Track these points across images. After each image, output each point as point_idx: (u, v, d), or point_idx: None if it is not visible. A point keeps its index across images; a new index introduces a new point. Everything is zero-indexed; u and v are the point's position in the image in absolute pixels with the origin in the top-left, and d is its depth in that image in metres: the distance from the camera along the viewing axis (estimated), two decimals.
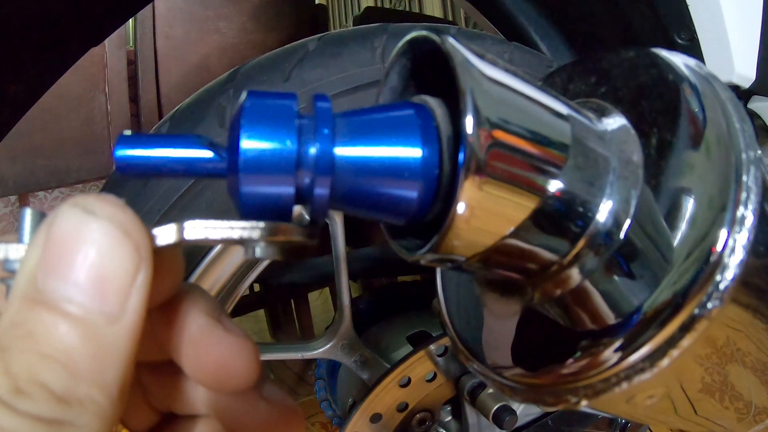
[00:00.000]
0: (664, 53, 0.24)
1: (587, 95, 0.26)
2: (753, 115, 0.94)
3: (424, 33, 0.19)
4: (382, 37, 0.55)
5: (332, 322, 0.69)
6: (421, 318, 0.82)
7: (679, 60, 0.23)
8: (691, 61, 0.23)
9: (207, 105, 0.51)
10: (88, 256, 0.15)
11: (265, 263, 0.59)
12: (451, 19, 3.04)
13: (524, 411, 0.73)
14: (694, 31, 0.80)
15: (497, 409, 0.63)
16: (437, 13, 4.03)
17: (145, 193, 0.50)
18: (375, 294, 0.92)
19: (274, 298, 1.74)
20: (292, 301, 1.78)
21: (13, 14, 0.51)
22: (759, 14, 0.83)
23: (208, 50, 1.64)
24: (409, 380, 0.64)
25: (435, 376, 0.66)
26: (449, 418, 0.74)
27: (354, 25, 2.12)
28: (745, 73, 0.84)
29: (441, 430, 0.73)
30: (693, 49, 0.82)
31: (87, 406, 0.15)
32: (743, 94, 0.93)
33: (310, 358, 0.64)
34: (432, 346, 0.64)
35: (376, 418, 0.64)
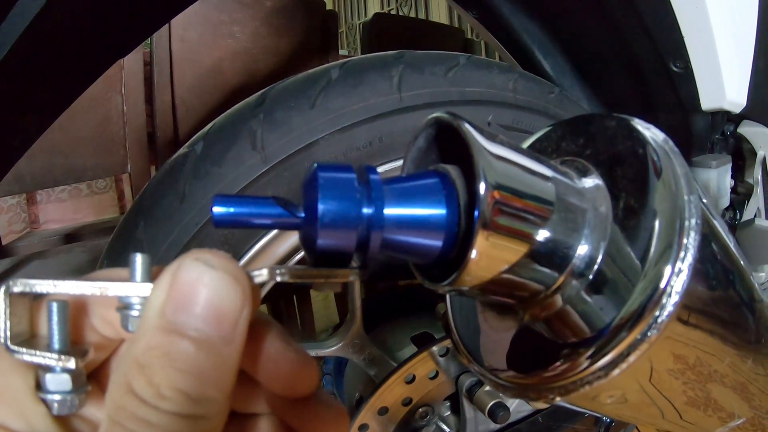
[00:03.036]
0: (639, 125, 0.30)
1: (575, 154, 0.32)
2: (742, 139, 1.00)
3: (447, 117, 0.25)
4: (398, 67, 0.61)
5: (341, 322, 0.75)
6: (424, 320, 0.88)
7: (649, 134, 0.29)
8: (660, 136, 0.29)
9: (239, 127, 0.57)
10: (210, 297, 0.21)
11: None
12: (456, 25, 3.09)
13: (517, 408, 0.79)
14: (689, 60, 0.85)
15: (492, 405, 0.70)
16: (443, 17, 4.10)
17: (183, 209, 0.55)
18: (380, 297, 0.98)
19: (277, 294, 1.79)
20: (294, 297, 1.83)
21: (46, 28, 0.55)
22: (751, 46, 0.88)
23: (222, 54, 1.69)
24: (414, 377, 0.70)
25: (437, 374, 0.72)
26: (448, 413, 0.81)
27: (363, 32, 2.18)
28: (736, 99, 0.90)
29: (441, 423, 0.79)
30: (687, 76, 0.87)
31: (212, 403, 0.21)
32: (735, 119, 0.99)
33: (325, 355, 0.70)
34: (435, 347, 0.70)
35: (383, 411, 0.70)
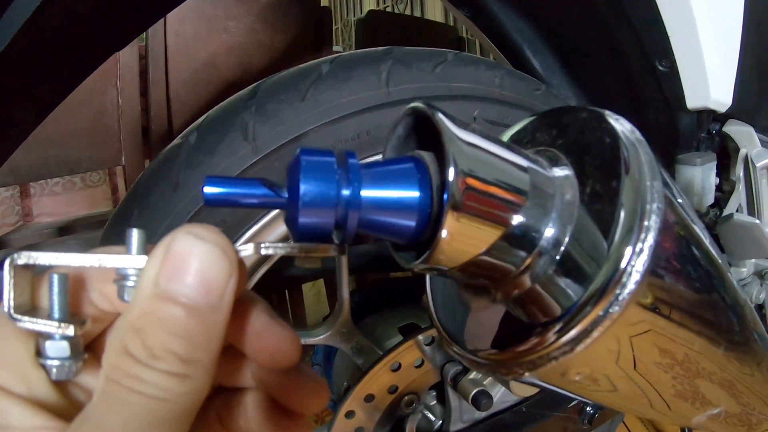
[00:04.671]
0: (609, 117, 0.32)
1: (548, 144, 0.33)
2: (727, 138, 1.02)
3: (422, 107, 0.27)
4: (387, 63, 0.63)
5: (330, 313, 0.77)
6: (411, 311, 0.91)
7: (617, 125, 0.31)
8: (627, 127, 0.31)
9: (232, 119, 0.59)
10: (200, 267, 0.23)
11: (275, 258, 0.67)
12: (451, 23, 3.10)
13: (501, 398, 0.81)
14: (674, 60, 0.86)
15: (476, 393, 0.72)
16: (438, 14, 4.11)
17: (176, 197, 0.57)
18: (369, 288, 1.00)
19: (269, 287, 1.80)
20: (286, 291, 1.84)
21: (44, 21, 0.56)
22: (737, 47, 0.90)
23: (217, 48, 1.70)
24: (400, 365, 0.72)
25: (422, 362, 0.74)
26: (434, 402, 0.83)
27: (357, 29, 2.19)
28: (721, 99, 0.91)
29: (426, 412, 0.81)
30: (673, 75, 0.89)
31: (200, 365, 0.23)
32: (721, 117, 1.00)
33: (313, 343, 0.72)
34: (420, 336, 0.72)
35: (369, 398, 0.72)
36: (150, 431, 0.21)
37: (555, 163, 0.31)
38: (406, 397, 0.77)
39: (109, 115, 1.54)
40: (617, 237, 0.27)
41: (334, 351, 0.94)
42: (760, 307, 1.12)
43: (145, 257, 0.24)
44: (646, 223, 0.27)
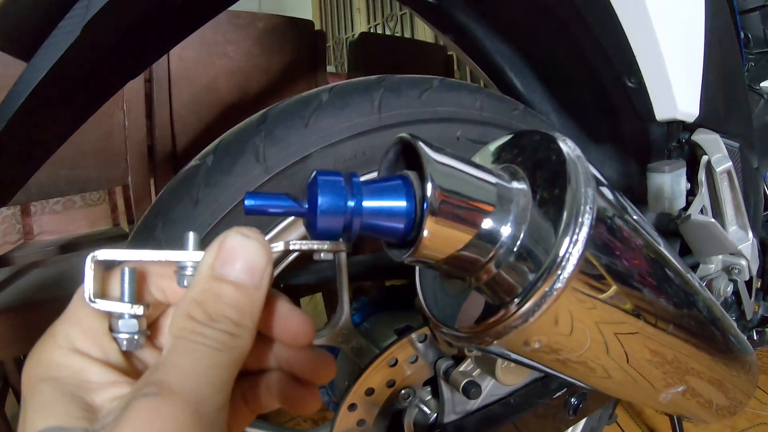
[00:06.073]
0: (558, 138, 0.40)
1: (510, 161, 0.42)
2: (696, 146, 1.09)
3: (407, 137, 0.35)
4: (379, 90, 0.71)
5: (329, 319, 0.84)
6: (406, 315, 0.98)
7: (564, 146, 0.39)
8: (571, 146, 0.39)
9: (244, 143, 0.66)
10: (246, 257, 0.31)
11: (280, 269, 0.75)
12: (442, 43, 3.20)
13: (491, 391, 0.88)
14: (642, 77, 0.94)
15: (465, 383, 0.79)
16: (428, 32, 4.23)
17: (196, 211, 0.65)
18: (367, 295, 1.07)
19: None
20: None
21: (75, 59, 0.64)
22: (700, 62, 0.97)
23: (217, 72, 1.78)
24: (396, 361, 0.79)
25: (417, 358, 0.82)
26: (429, 397, 0.90)
27: (350, 50, 2.28)
28: (688, 110, 0.98)
29: (422, 406, 0.88)
30: (641, 91, 0.97)
31: (245, 327, 0.31)
32: (691, 127, 1.07)
33: (317, 344, 0.79)
34: (413, 335, 0.79)
35: (369, 391, 0.79)
36: (210, 371, 0.29)
37: (514, 176, 0.40)
38: (402, 391, 0.84)
39: (116, 136, 1.61)
40: (560, 231, 0.36)
41: (335, 355, 1.01)
42: (738, 302, 1.19)
43: (201, 253, 0.32)
44: (580, 219, 0.35)
